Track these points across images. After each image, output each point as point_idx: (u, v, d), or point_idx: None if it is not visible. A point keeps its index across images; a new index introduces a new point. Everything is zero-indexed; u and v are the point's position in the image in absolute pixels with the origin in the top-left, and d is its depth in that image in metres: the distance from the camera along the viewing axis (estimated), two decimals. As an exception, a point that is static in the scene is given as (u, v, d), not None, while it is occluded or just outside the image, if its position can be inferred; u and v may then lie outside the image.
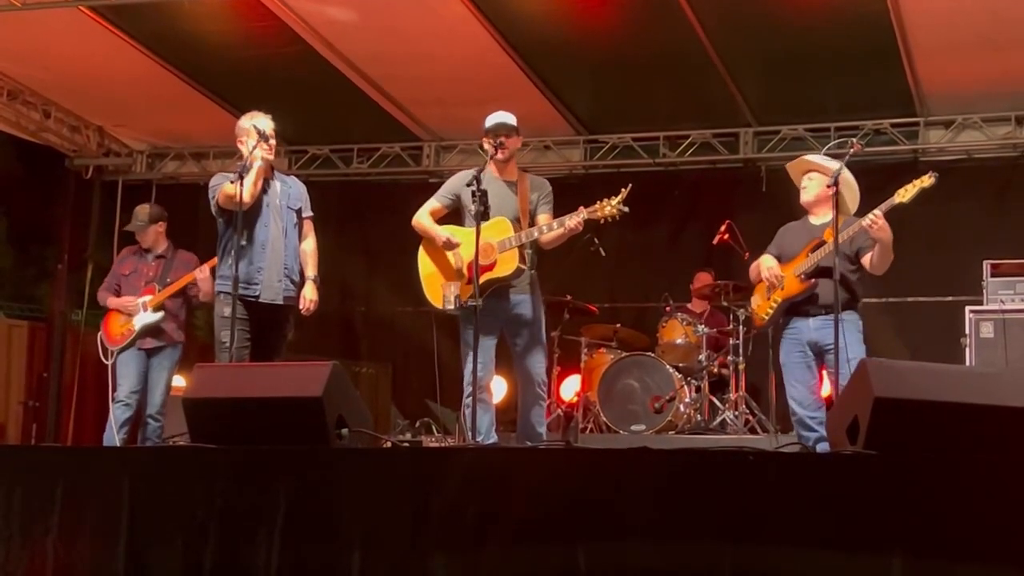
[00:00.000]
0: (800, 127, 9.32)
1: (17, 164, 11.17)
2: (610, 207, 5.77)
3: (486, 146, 6.03)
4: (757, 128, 9.49)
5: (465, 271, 5.86)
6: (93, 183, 10.56)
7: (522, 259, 5.90)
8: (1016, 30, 7.56)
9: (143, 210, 7.46)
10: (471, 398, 5.66)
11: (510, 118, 6.03)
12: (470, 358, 5.72)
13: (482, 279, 5.75)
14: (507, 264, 5.86)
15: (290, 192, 6.29)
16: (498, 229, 5.85)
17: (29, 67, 9.03)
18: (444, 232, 5.98)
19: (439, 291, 5.90)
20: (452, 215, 6.14)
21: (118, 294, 7.31)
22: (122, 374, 7.13)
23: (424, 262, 6.08)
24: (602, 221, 5.84)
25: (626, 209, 5.77)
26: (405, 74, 8.78)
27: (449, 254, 5.97)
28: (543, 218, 6.00)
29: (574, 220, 5.82)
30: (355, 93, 9.02)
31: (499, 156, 5.98)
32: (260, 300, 6.05)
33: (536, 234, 5.89)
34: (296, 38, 8.16)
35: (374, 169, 10.31)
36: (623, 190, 5.81)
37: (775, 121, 9.40)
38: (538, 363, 6.01)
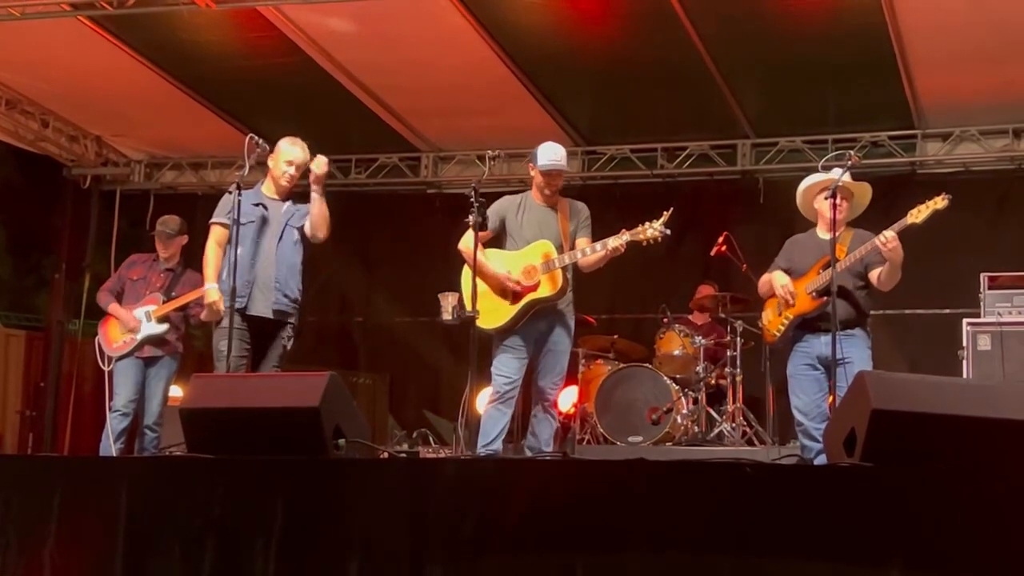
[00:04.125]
0: (798, 139, 9.34)
1: (15, 173, 11.19)
2: (652, 229, 5.84)
3: (537, 177, 6.06)
4: (755, 140, 9.51)
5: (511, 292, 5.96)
6: (91, 192, 10.59)
7: (565, 280, 5.98)
8: (1014, 43, 7.57)
9: (173, 220, 7.44)
10: (491, 405, 5.88)
11: (565, 157, 6.14)
12: (500, 371, 5.91)
13: (524, 300, 5.90)
14: (550, 285, 5.94)
15: (295, 212, 6.29)
16: (542, 251, 5.94)
17: (28, 77, 9.05)
18: (500, 270, 5.96)
19: (488, 310, 5.90)
20: (493, 239, 6.17)
21: (120, 298, 7.31)
22: (119, 383, 7.14)
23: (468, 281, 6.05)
24: (644, 243, 5.88)
25: (668, 232, 5.83)
26: (403, 85, 8.79)
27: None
28: (582, 241, 6.06)
29: (616, 242, 5.88)
30: (353, 103, 9.03)
31: (547, 192, 6.06)
32: (248, 312, 6.06)
33: (579, 255, 5.95)
34: (294, 48, 8.17)
35: (372, 179, 10.32)
36: (665, 213, 5.87)
37: (773, 133, 9.43)
38: (555, 385, 6.11)
